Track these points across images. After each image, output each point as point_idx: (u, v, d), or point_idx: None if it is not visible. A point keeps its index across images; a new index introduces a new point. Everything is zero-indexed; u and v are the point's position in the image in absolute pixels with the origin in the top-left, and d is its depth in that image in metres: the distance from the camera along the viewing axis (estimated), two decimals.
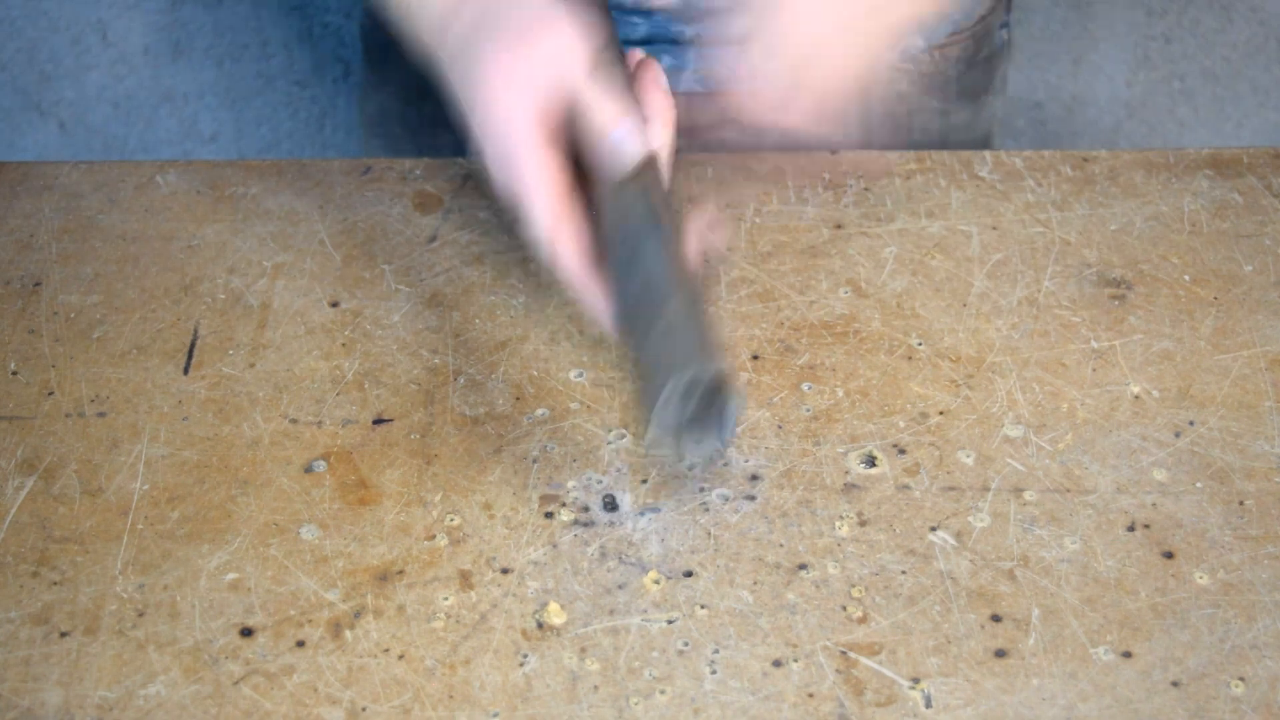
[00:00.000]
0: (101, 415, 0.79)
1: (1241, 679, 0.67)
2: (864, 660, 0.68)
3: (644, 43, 0.96)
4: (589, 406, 0.79)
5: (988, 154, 0.92)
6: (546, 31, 0.73)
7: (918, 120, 1.02)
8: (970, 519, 0.74)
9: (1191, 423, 0.78)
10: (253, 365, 0.81)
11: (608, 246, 0.73)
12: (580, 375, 0.81)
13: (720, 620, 0.70)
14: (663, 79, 0.77)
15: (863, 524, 0.74)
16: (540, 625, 0.70)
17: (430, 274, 0.86)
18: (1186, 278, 0.85)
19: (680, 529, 0.73)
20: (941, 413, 0.78)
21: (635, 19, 0.95)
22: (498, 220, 0.90)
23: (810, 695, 0.67)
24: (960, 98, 1.03)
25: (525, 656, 0.68)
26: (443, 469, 0.76)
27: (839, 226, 0.89)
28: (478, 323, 0.83)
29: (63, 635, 0.69)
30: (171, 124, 1.52)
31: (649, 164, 0.74)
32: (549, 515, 0.74)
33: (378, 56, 1.06)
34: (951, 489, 0.75)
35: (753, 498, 0.75)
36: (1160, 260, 0.86)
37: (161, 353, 0.82)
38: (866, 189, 0.90)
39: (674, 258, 0.71)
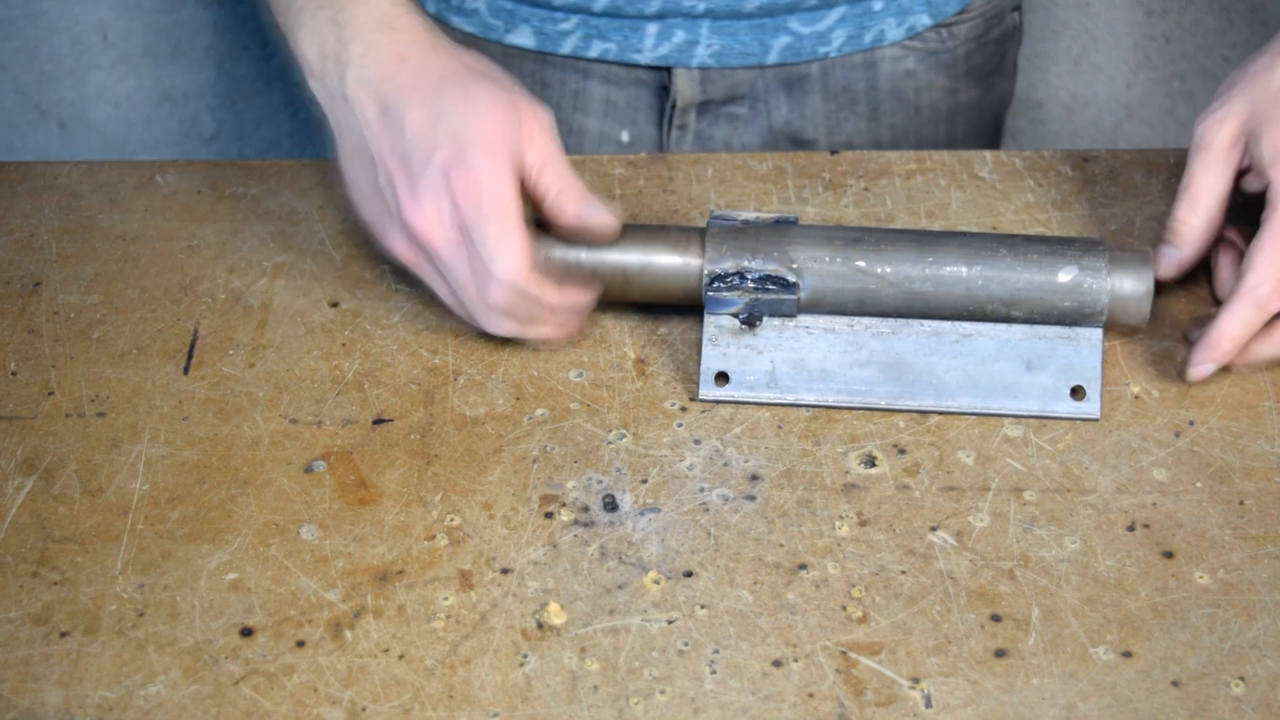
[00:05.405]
0: (101, 415, 0.79)
1: (1241, 679, 0.67)
2: (864, 660, 0.68)
3: (657, 17, 0.96)
4: (589, 406, 0.79)
5: (988, 154, 0.92)
6: (526, 107, 0.78)
7: (925, 98, 1.02)
8: (970, 519, 0.74)
9: (1191, 423, 0.78)
10: (253, 365, 0.81)
11: None
12: (580, 375, 0.81)
13: (720, 620, 0.70)
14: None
15: (863, 524, 0.74)
16: (540, 625, 0.70)
17: None
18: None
19: (680, 529, 0.73)
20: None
21: None
22: None
23: (810, 695, 0.67)
24: (969, 77, 1.04)
25: (525, 656, 0.68)
26: (443, 469, 0.76)
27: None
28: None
29: (63, 635, 0.69)
30: (171, 124, 1.51)
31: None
32: (549, 515, 0.74)
33: None
34: (951, 489, 0.75)
35: (753, 498, 0.75)
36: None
37: (161, 353, 0.82)
38: (866, 189, 0.90)
39: None
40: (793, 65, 0.99)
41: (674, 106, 1.00)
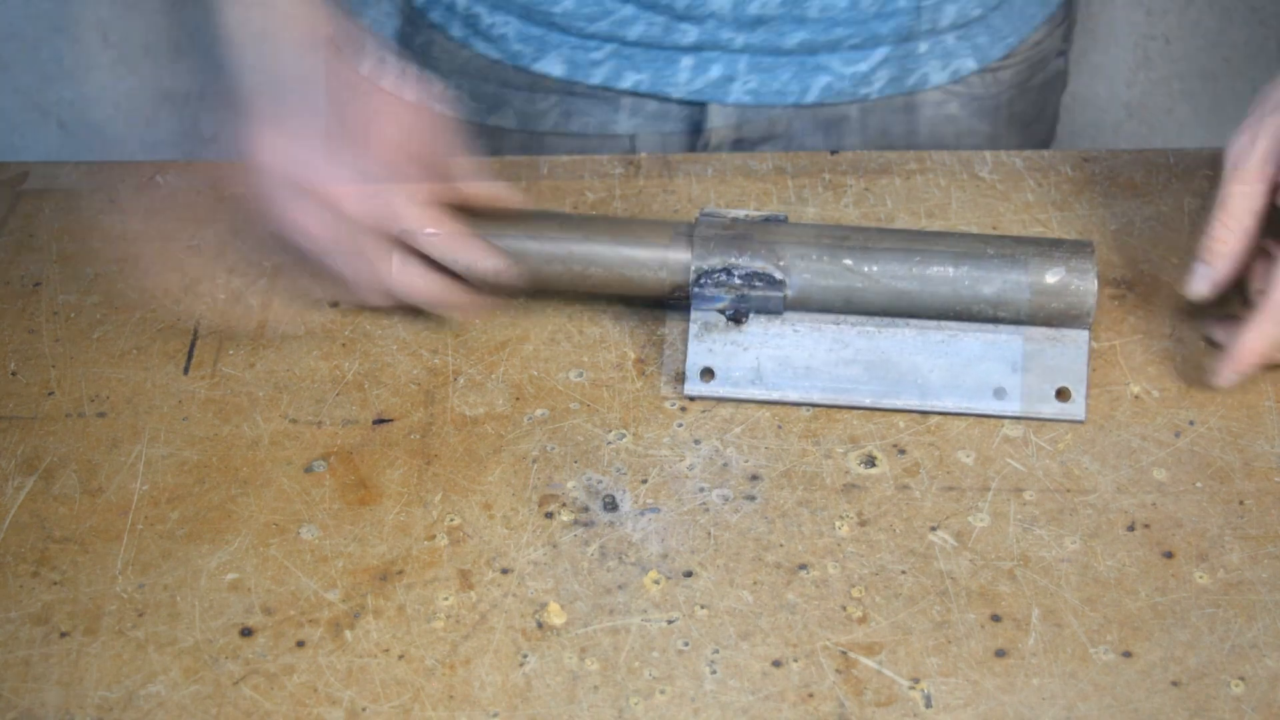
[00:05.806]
0: (101, 415, 0.79)
1: (1241, 679, 0.67)
2: (864, 660, 0.68)
3: (694, 49, 0.94)
4: (589, 406, 0.79)
5: (988, 154, 0.92)
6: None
7: (965, 143, 1.00)
8: (970, 519, 0.74)
9: (1191, 422, 0.78)
10: (253, 365, 0.81)
11: None
12: (580, 375, 0.81)
13: (720, 620, 0.70)
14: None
15: (863, 524, 0.74)
16: (540, 625, 0.70)
17: None
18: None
19: (680, 529, 0.73)
20: (942, 413, 0.78)
21: (686, 25, 0.93)
22: None
23: (810, 695, 0.67)
24: (1010, 124, 1.01)
25: (525, 656, 0.68)
26: (443, 469, 0.76)
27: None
28: (478, 323, 0.83)
29: (63, 635, 0.69)
30: (171, 124, 1.51)
31: None
32: (549, 515, 0.74)
33: (419, 62, 1.05)
34: (951, 489, 0.75)
35: (753, 498, 0.75)
36: (1160, 260, 0.86)
37: (161, 353, 0.82)
38: (866, 189, 0.90)
39: None
40: (831, 105, 0.97)
41: (706, 144, 0.98)
